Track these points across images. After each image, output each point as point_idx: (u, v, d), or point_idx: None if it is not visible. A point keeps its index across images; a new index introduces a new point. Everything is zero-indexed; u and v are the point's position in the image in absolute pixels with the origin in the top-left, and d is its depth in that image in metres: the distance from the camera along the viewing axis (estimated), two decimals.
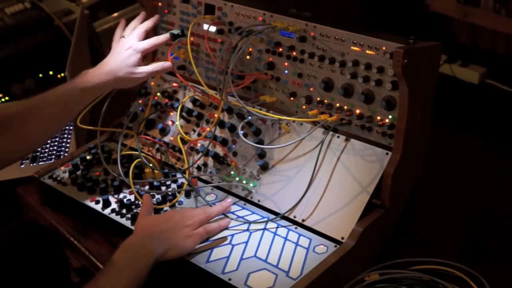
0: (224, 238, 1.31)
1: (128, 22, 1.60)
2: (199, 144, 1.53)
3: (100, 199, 1.45)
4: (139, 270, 1.19)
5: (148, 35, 1.57)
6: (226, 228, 1.34)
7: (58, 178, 1.53)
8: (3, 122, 1.36)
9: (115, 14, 2.23)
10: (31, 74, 2.12)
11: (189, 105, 1.59)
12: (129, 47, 1.50)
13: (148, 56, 1.67)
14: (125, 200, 1.43)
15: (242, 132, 1.47)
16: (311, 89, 1.42)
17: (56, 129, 1.53)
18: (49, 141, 1.82)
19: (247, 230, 1.33)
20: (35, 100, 1.43)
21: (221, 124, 1.52)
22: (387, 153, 1.32)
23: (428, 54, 1.32)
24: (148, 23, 1.58)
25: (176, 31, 1.58)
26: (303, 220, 1.34)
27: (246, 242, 1.30)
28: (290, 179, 1.39)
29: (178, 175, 1.50)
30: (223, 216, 1.37)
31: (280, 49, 1.45)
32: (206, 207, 1.38)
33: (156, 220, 1.32)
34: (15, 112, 1.40)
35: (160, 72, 1.55)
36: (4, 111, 1.40)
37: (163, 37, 1.56)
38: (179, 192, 1.44)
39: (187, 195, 1.45)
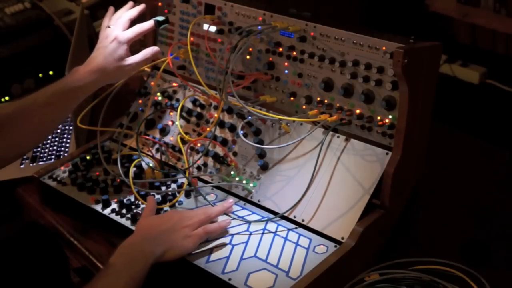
0: (223, 242, 1.30)
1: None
2: (199, 144, 1.53)
3: (100, 199, 1.45)
4: (137, 272, 1.18)
5: (136, 23, 1.56)
6: (226, 229, 1.33)
7: (58, 178, 1.53)
8: None
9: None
10: (31, 74, 2.12)
11: (189, 105, 1.59)
12: (113, 38, 1.49)
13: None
14: (125, 200, 1.43)
15: (242, 132, 1.47)
16: (311, 89, 1.42)
17: (50, 129, 1.52)
18: (49, 141, 1.82)
19: (247, 230, 1.33)
20: (26, 101, 1.41)
21: (221, 124, 1.52)
22: (387, 153, 1.32)
23: (428, 54, 1.32)
24: (133, 12, 1.57)
25: (160, 18, 1.58)
26: (303, 220, 1.34)
27: (246, 242, 1.30)
28: (290, 179, 1.39)
29: (178, 175, 1.50)
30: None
31: (280, 49, 1.45)
32: (206, 207, 1.38)
33: (156, 221, 1.32)
34: (8, 113, 1.38)
35: (150, 59, 1.54)
36: None
37: (147, 25, 1.55)
38: (179, 192, 1.44)
39: (187, 195, 1.45)
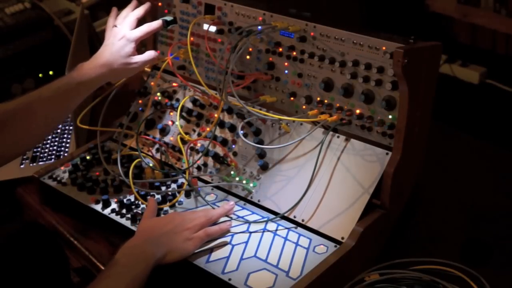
0: (224, 242, 1.30)
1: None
2: (199, 144, 1.53)
3: (100, 199, 1.45)
4: (138, 273, 1.18)
5: (140, 23, 1.56)
6: (228, 232, 1.33)
7: (58, 178, 1.53)
8: (1, 120, 1.36)
9: None
10: (31, 74, 2.12)
11: (189, 105, 1.59)
12: (122, 36, 1.49)
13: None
14: (125, 200, 1.43)
15: (242, 132, 1.47)
16: (311, 89, 1.42)
17: (54, 125, 1.52)
18: (49, 141, 1.82)
19: (247, 230, 1.33)
20: (32, 96, 1.41)
21: (221, 124, 1.52)
22: (387, 153, 1.32)
23: (428, 54, 1.32)
24: (139, 11, 1.57)
25: (169, 18, 1.58)
26: (303, 220, 1.34)
27: (246, 242, 1.30)
28: (290, 179, 1.39)
29: (178, 175, 1.49)
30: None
31: (280, 49, 1.45)
32: (207, 209, 1.37)
33: (157, 223, 1.32)
34: (12, 109, 1.38)
35: (154, 60, 1.55)
36: (2, 108, 1.39)
37: (155, 24, 1.55)
38: (179, 192, 1.44)
39: (187, 195, 1.45)
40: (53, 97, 1.41)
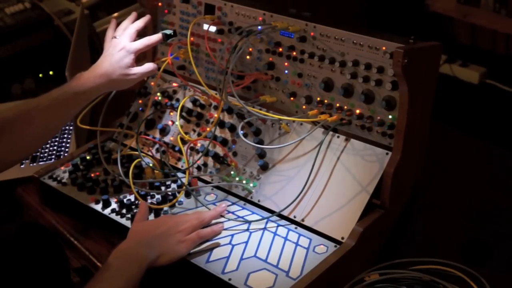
0: (216, 243, 1.30)
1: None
2: (199, 144, 1.53)
3: (100, 199, 1.45)
4: (131, 276, 1.18)
5: (140, 35, 1.56)
6: (220, 233, 1.33)
7: (58, 178, 1.53)
8: None
9: (115, 14, 2.23)
10: (31, 74, 2.12)
11: (189, 105, 1.59)
12: (121, 48, 1.49)
13: (148, 56, 1.67)
14: (125, 200, 1.43)
15: (242, 132, 1.47)
16: (311, 89, 1.42)
17: (52, 133, 1.52)
18: (49, 141, 1.82)
19: (247, 230, 1.33)
20: (30, 104, 1.41)
21: (221, 124, 1.52)
22: (387, 153, 1.32)
23: (428, 54, 1.32)
24: (139, 23, 1.57)
25: (168, 31, 1.58)
26: (303, 220, 1.34)
27: (246, 242, 1.30)
28: (290, 179, 1.39)
29: (178, 175, 1.49)
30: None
31: (280, 49, 1.45)
32: (199, 212, 1.37)
33: (149, 225, 1.32)
34: (11, 117, 1.38)
35: (153, 72, 1.55)
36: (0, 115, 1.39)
37: (155, 37, 1.56)
38: (179, 192, 1.44)
39: (187, 195, 1.45)
40: (51, 106, 1.41)
